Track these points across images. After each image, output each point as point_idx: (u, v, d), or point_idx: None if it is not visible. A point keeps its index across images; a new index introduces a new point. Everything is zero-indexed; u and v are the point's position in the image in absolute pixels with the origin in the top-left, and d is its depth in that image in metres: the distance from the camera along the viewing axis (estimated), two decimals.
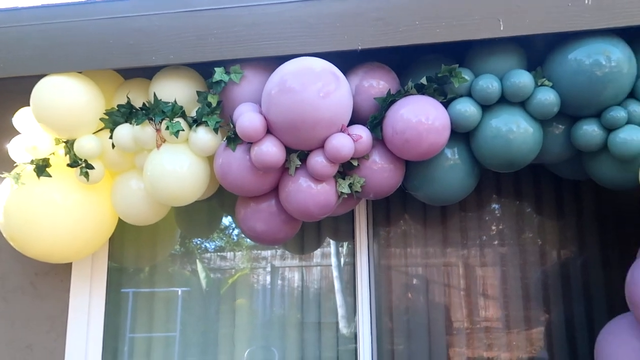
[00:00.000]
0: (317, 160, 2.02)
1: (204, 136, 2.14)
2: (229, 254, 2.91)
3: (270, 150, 1.99)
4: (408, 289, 2.68)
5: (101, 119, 2.23)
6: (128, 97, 2.24)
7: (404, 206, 2.70)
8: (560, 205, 2.66)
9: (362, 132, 2.03)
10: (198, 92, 2.17)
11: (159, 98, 2.18)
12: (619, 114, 1.95)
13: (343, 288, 2.71)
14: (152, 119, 2.16)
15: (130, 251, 2.77)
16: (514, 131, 1.99)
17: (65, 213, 2.27)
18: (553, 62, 2.00)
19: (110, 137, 2.22)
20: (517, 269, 2.63)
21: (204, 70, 2.23)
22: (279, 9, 2.04)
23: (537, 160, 2.16)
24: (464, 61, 2.13)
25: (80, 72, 2.20)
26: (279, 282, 2.82)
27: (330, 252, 2.80)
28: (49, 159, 2.25)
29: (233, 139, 2.07)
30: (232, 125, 2.07)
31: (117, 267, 2.73)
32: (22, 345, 2.52)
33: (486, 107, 2.06)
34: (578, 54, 1.92)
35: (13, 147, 2.27)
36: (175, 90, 2.19)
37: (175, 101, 2.16)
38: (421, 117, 1.97)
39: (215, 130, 2.15)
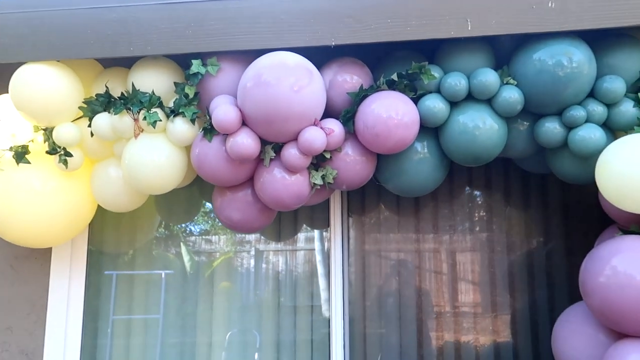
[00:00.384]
0: (291, 152, 2.08)
1: (181, 126, 2.19)
2: (213, 237, 2.97)
3: (245, 142, 2.05)
4: (381, 275, 2.78)
5: (80, 108, 2.26)
6: (107, 87, 2.27)
7: (379, 195, 2.78)
8: (527, 197, 2.76)
9: (335, 126, 2.10)
10: (175, 84, 2.22)
11: (137, 88, 2.22)
12: (578, 112, 2.04)
13: (326, 272, 2.78)
14: (130, 109, 2.20)
15: (110, 235, 2.82)
16: (480, 127, 2.08)
17: (45, 199, 2.31)
18: (518, 62, 2.08)
19: (89, 126, 2.26)
20: (485, 257, 2.73)
21: (182, 61, 2.27)
22: (253, 4, 2.08)
23: (502, 155, 2.24)
24: (434, 58, 2.19)
25: (58, 61, 2.22)
26: (263, 265, 2.89)
27: (314, 237, 2.87)
28: (28, 145, 2.28)
29: (209, 130, 2.13)
30: (208, 117, 2.12)
31: (96, 250, 2.78)
32: (1, 326, 2.57)
33: (454, 104, 2.13)
34: (542, 55, 2.00)
35: None
36: (153, 80, 2.23)
37: (153, 92, 2.20)
38: (391, 113, 2.04)
39: (192, 121, 2.19)
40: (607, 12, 1.95)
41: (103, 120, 2.23)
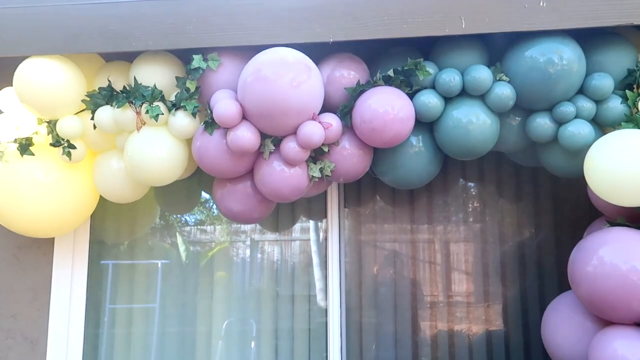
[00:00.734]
0: (290, 146, 2.14)
1: (182, 120, 2.24)
2: (209, 227, 3.02)
3: (245, 136, 2.11)
4: (377, 265, 2.84)
5: (83, 101, 2.31)
6: (109, 80, 2.31)
7: (374, 187, 2.84)
8: (519, 189, 2.83)
9: (333, 120, 2.16)
10: (177, 78, 2.26)
11: (139, 82, 2.26)
12: (568, 108, 2.10)
13: (322, 262, 2.84)
14: (132, 102, 2.25)
15: (112, 226, 2.86)
16: (473, 122, 2.14)
17: (48, 191, 2.35)
18: (510, 59, 2.13)
19: (92, 119, 2.30)
20: (478, 247, 2.81)
21: (183, 55, 2.31)
22: (254, 1, 2.13)
23: (495, 149, 2.31)
24: (430, 55, 2.25)
25: (62, 55, 2.26)
26: (259, 255, 2.94)
27: (309, 228, 2.92)
28: (31, 138, 2.33)
29: (210, 124, 2.18)
30: (209, 111, 2.17)
31: (99, 241, 2.82)
32: (6, 314, 2.62)
33: (448, 99, 2.19)
34: (533, 52, 2.06)
35: None
36: (155, 74, 2.26)
37: (155, 86, 2.25)
38: (387, 108, 2.09)
39: (194, 114, 2.24)
40: (595, 12, 2.01)
41: (106, 113, 2.27)
